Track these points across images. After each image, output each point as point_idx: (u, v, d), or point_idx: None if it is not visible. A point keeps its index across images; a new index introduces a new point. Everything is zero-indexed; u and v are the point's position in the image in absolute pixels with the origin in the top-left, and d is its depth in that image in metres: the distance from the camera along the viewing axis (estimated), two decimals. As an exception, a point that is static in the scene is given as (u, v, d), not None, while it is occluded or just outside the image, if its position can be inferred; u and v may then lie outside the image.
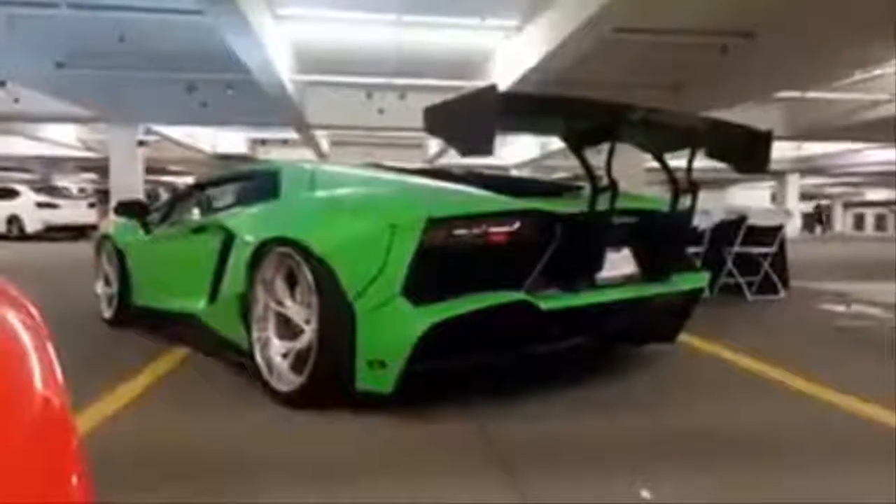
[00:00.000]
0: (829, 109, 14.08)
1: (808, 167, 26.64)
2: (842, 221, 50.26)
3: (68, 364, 0.75)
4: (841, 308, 6.20)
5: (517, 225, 2.65)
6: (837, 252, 17.77)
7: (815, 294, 7.09)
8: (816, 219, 37.55)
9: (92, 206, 17.43)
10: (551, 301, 2.72)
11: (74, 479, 0.58)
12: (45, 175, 30.94)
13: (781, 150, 22.81)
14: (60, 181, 28.48)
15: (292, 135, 21.24)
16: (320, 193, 3.26)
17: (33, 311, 0.84)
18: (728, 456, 2.32)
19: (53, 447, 0.59)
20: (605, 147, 2.90)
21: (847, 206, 49.32)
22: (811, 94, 13.23)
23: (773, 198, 31.22)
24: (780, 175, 27.35)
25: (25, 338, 0.74)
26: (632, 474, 2.12)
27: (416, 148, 23.38)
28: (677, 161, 3.29)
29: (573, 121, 2.90)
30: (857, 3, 7.04)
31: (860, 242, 25.88)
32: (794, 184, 28.49)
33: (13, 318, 0.77)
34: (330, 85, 14.44)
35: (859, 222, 51.52)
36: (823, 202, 43.11)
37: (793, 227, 25.52)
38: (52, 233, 15.88)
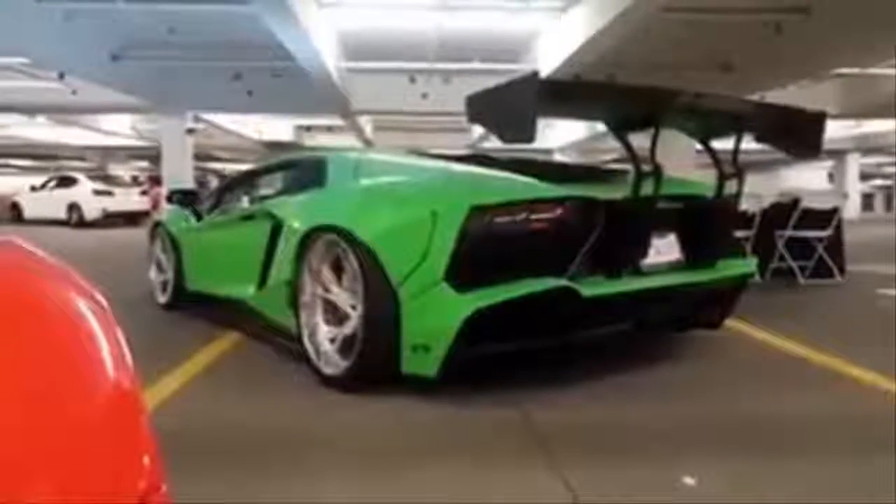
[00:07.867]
0: (889, 86, 13.42)
1: (868, 146, 25.37)
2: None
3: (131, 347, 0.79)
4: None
5: (559, 211, 2.65)
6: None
7: (874, 278, 6.84)
8: None
9: (143, 193, 18.03)
10: (594, 287, 2.71)
11: (146, 459, 0.62)
12: (100, 164, 32.00)
13: (839, 129, 21.81)
14: (114, 170, 29.43)
15: (337, 121, 21.41)
16: (365, 182, 3.31)
17: (100, 298, 0.88)
18: (771, 444, 2.30)
19: (126, 429, 0.63)
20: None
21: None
22: (872, 71, 12.63)
23: (831, 178, 29.70)
24: (838, 154, 26.10)
25: (95, 324, 0.77)
26: (674, 461, 2.13)
27: (461, 132, 23.28)
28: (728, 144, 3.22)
29: (616, 107, 2.87)
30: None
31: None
32: (854, 163, 27.10)
33: (83, 305, 0.80)
34: (374, 71, 14.49)
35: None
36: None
37: (854, 209, 24.49)
38: (109, 219, 16.50)
